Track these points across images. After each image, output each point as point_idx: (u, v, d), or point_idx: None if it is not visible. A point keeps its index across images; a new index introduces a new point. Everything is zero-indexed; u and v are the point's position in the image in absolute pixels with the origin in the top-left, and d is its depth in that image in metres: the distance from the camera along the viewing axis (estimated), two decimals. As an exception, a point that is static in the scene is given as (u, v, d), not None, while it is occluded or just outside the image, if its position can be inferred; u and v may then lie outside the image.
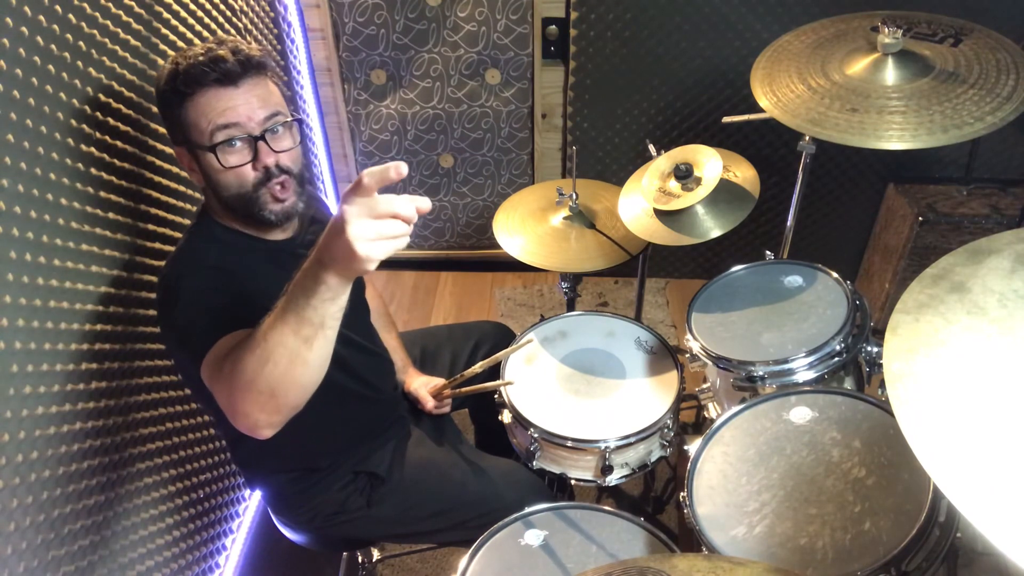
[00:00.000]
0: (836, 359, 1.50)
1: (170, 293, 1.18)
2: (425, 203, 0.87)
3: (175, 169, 1.54)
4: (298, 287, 0.92)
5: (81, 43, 1.24)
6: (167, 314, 1.20)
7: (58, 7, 1.18)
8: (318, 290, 0.90)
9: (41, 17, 1.14)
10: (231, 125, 1.17)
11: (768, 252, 1.81)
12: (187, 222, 1.57)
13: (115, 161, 1.33)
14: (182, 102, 1.17)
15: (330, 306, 0.92)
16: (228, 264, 1.23)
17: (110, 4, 1.33)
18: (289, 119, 1.24)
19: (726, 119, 1.91)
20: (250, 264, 1.27)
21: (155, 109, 1.47)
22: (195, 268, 1.21)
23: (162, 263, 1.47)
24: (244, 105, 1.17)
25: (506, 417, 1.68)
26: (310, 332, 0.93)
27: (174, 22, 1.55)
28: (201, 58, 1.15)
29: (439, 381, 1.66)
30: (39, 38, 1.13)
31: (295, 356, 0.94)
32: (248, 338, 0.98)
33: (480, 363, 1.55)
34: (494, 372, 1.63)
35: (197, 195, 1.62)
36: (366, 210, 0.83)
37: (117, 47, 1.35)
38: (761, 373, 1.50)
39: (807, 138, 1.80)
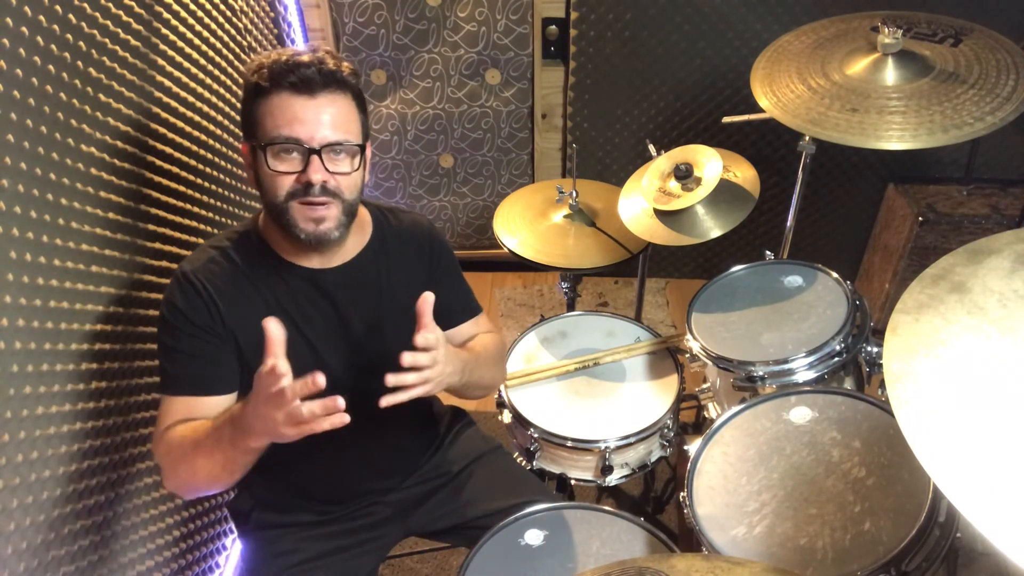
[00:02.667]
0: (836, 359, 1.50)
1: (165, 293, 1.23)
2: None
3: (175, 169, 1.53)
4: (226, 437, 1.10)
5: (81, 43, 1.24)
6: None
7: (58, 7, 1.18)
8: (243, 447, 1.09)
9: (41, 17, 1.14)
10: (291, 140, 1.13)
11: (768, 252, 1.81)
12: (187, 222, 1.57)
13: (115, 161, 1.33)
14: (257, 97, 1.14)
15: (252, 455, 1.13)
16: (227, 276, 1.22)
17: (110, 4, 1.32)
18: (356, 145, 1.18)
19: (726, 119, 1.91)
20: (258, 285, 1.24)
21: (155, 109, 1.47)
22: (185, 285, 1.20)
23: (162, 263, 1.47)
24: (313, 122, 1.13)
25: (506, 417, 1.69)
26: (232, 466, 1.13)
27: (174, 22, 1.55)
28: (285, 58, 1.12)
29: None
30: (39, 38, 1.13)
31: (215, 476, 1.15)
32: (186, 446, 1.15)
33: None
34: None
35: (198, 196, 1.62)
36: (291, 419, 1.01)
37: (117, 47, 1.35)
38: (761, 373, 1.50)
39: (807, 138, 1.80)
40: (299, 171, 1.14)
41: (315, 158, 1.14)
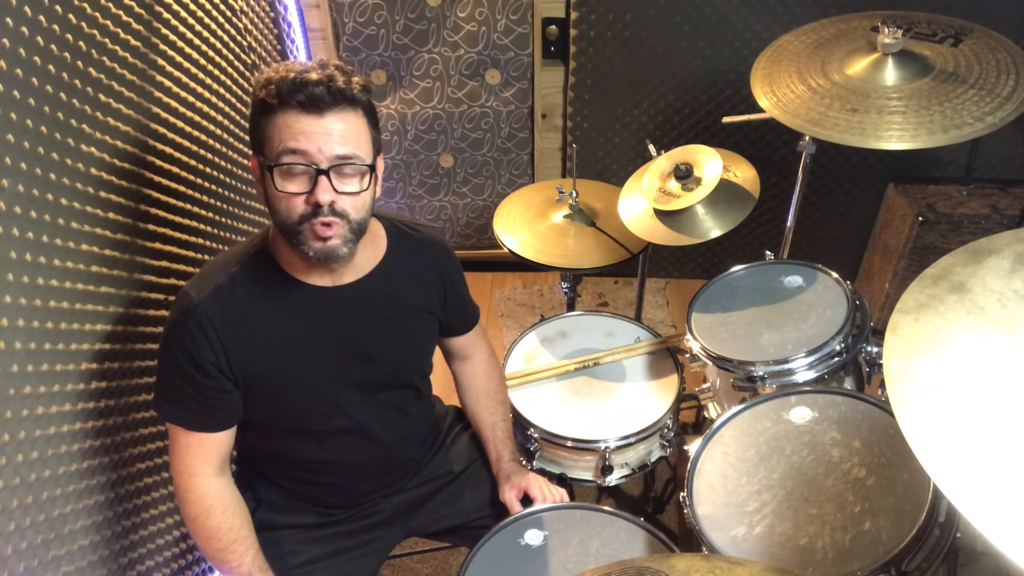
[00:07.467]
0: (836, 359, 1.50)
1: (169, 320, 1.23)
2: None
3: (175, 169, 1.53)
4: None
5: (81, 43, 1.24)
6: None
7: (58, 7, 1.18)
8: None
9: (41, 17, 1.14)
10: (299, 152, 1.10)
11: (768, 252, 1.81)
12: (187, 222, 1.57)
13: (115, 161, 1.33)
14: (265, 114, 1.12)
15: None
16: (235, 308, 1.21)
17: (110, 4, 1.32)
18: (365, 164, 1.15)
19: (726, 119, 1.91)
20: (268, 310, 1.23)
21: (155, 109, 1.47)
22: (193, 327, 1.19)
23: (162, 263, 1.47)
24: (321, 136, 1.10)
25: (506, 417, 1.68)
26: None
27: (174, 22, 1.55)
28: (293, 75, 1.09)
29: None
30: (39, 38, 1.13)
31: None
32: (221, 544, 1.25)
33: None
34: None
35: (198, 195, 1.62)
36: None
37: (117, 47, 1.35)
38: (761, 373, 1.50)
39: (807, 138, 1.80)
40: (307, 192, 1.12)
41: (323, 178, 1.11)
